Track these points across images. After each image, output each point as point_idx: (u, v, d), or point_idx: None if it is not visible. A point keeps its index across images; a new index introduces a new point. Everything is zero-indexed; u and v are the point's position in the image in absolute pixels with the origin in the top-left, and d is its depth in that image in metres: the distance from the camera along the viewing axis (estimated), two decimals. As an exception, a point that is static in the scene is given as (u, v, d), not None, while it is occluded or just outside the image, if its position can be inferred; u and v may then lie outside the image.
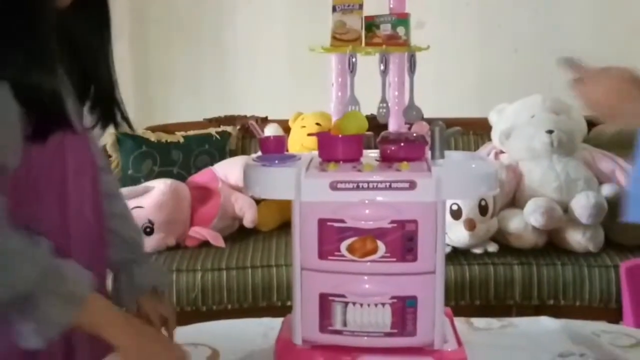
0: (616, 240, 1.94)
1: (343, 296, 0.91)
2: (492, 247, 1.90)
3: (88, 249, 0.90)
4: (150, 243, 1.99)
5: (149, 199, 2.00)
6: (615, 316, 1.82)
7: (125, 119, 0.94)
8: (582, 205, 1.86)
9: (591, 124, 2.18)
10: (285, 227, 2.06)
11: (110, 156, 2.21)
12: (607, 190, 1.93)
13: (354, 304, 0.90)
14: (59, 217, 0.84)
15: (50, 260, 0.76)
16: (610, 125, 2.26)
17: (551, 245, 1.94)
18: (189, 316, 1.85)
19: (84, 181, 0.89)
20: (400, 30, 0.99)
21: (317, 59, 1.05)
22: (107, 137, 2.22)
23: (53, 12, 0.78)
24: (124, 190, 2.04)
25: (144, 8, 2.73)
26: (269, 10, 2.70)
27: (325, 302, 0.91)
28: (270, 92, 2.68)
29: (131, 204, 2.01)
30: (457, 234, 1.86)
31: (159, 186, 2.04)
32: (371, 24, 1.01)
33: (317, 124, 2.26)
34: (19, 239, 0.74)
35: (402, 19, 0.99)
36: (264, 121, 2.41)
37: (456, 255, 1.89)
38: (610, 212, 1.90)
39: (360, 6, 1.00)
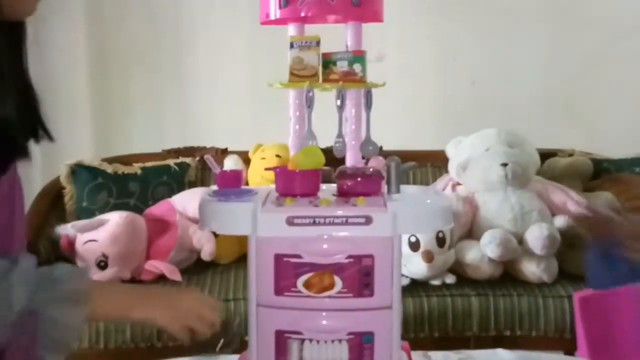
0: (569, 270, 1.98)
1: (300, 333, 0.90)
2: (450, 279, 1.92)
3: None
4: (104, 277, 1.94)
5: (103, 232, 1.95)
6: (570, 346, 1.85)
7: (45, 130, 0.86)
8: (535, 236, 1.90)
9: (544, 156, 2.25)
10: (244, 259, 2.02)
11: (64, 188, 2.16)
12: (559, 221, 1.98)
13: (310, 340, 0.90)
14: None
15: (36, 271, 0.73)
16: (562, 158, 2.34)
17: (507, 275, 1.97)
18: (143, 353, 1.80)
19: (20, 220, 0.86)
20: (357, 67, 1.01)
21: (276, 91, 1.06)
22: (61, 168, 2.17)
23: None
24: (78, 224, 2.00)
25: (103, 39, 2.71)
26: (229, 43, 2.71)
27: (281, 339, 0.90)
28: (230, 123, 2.68)
29: (84, 237, 1.97)
30: (416, 266, 1.87)
31: (114, 218, 1.99)
32: (328, 61, 1.02)
33: (278, 155, 2.26)
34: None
35: (358, 56, 1.01)
36: (224, 152, 2.40)
37: (415, 287, 1.89)
38: (563, 243, 1.95)
39: (318, 43, 1.02)
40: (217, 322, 0.86)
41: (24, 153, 0.77)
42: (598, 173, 2.31)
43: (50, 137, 0.84)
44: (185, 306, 0.83)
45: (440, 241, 1.88)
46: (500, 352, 1.20)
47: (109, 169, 2.21)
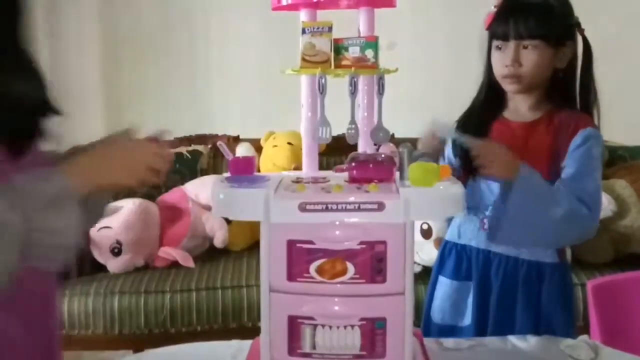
0: (583, 258, 1.97)
1: (312, 318, 0.90)
2: (463, 266, 1.91)
3: None
4: (118, 264, 1.96)
5: (117, 219, 1.97)
6: (583, 333, 1.83)
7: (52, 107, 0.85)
8: (549, 224, 1.88)
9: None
10: (256, 246, 2.03)
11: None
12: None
13: (323, 326, 0.90)
14: None
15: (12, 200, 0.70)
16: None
17: (520, 263, 1.96)
18: (157, 338, 1.82)
19: None
20: (369, 53, 1.00)
21: (288, 78, 1.06)
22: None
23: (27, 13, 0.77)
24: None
25: (115, 26, 2.72)
26: (240, 29, 2.71)
27: (294, 324, 0.90)
28: (242, 111, 2.68)
29: (99, 224, 1.99)
30: (428, 253, 1.87)
31: (128, 206, 2.01)
32: (340, 47, 1.02)
33: (289, 143, 2.26)
34: None
35: (370, 42, 1.00)
36: (236, 140, 2.40)
37: (427, 274, 1.89)
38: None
39: (330, 29, 1.01)
40: (165, 170, 0.91)
41: (39, 132, 0.78)
42: (613, 160, 2.29)
43: (58, 113, 0.84)
44: (139, 159, 0.90)
45: (453, 228, 1.87)
46: (512, 338, 1.19)
47: (122, 156, 2.22)
